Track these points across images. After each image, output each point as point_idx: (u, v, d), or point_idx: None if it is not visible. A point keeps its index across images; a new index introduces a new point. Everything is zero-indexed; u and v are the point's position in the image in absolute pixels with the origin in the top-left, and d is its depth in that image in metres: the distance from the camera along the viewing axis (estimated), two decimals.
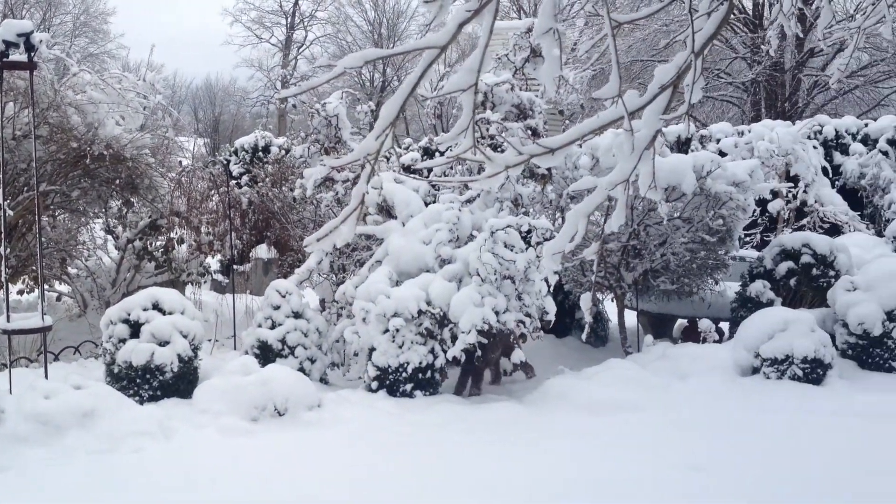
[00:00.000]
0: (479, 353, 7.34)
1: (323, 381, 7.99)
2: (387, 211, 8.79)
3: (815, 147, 16.94)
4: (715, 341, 8.90)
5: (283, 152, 14.76)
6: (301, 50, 48.20)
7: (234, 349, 9.01)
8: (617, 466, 5.51)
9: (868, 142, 18.91)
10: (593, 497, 5.01)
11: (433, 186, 9.43)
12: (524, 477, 5.34)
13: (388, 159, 12.31)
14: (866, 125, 19.32)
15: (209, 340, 8.64)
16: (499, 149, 8.69)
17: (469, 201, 8.89)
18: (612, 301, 9.71)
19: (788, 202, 16.30)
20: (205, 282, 11.35)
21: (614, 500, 4.98)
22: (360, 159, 2.28)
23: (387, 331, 7.33)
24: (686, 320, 10.26)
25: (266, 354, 7.76)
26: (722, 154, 15.74)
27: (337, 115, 9.68)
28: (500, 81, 9.47)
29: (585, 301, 3.30)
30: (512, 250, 7.43)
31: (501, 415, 6.82)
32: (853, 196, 18.22)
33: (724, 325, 9.64)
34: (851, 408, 6.67)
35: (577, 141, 2.64)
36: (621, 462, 5.60)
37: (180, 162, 12.80)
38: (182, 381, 7.04)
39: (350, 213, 2.37)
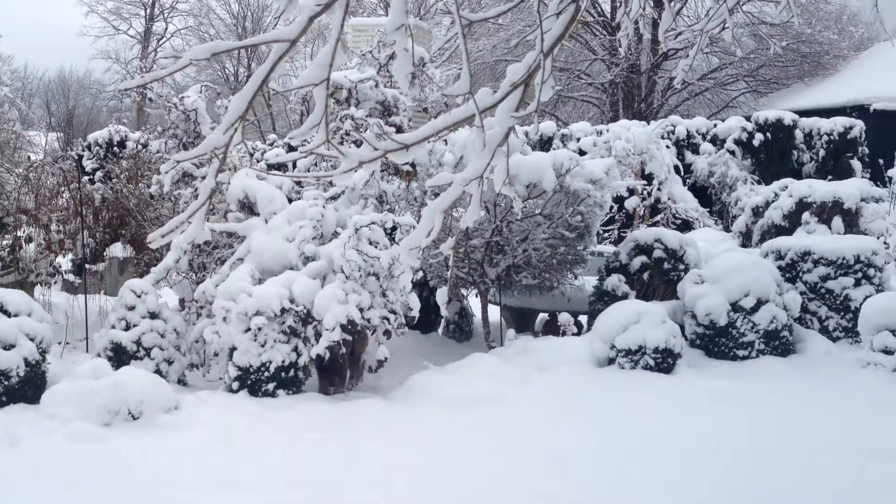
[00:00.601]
0: (343, 350, 7.31)
1: (181, 382, 7.77)
2: (249, 208, 8.63)
3: (668, 146, 17.70)
4: (574, 334, 9.17)
5: (140, 147, 14.25)
6: (161, 42, 46.66)
7: (87, 352, 8.64)
8: (479, 459, 5.60)
9: (717, 142, 19.89)
10: (451, 481, 5.09)
11: (297, 183, 9.32)
12: (384, 470, 5.36)
13: (251, 155, 12.09)
14: (715, 126, 20.33)
15: (59, 343, 8.25)
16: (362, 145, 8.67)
17: (333, 198, 8.83)
18: (476, 296, 9.85)
19: (644, 199, 16.97)
20: (55, 282, 10.83)
21: (477, 489, 5.07)
22: (208, 153, 2.24)
23: (248, 329, 7.20)
24: (547, 314, 10.52)
25: (120, 357, 7.49)
26: (582, 153, 16.25)
27: (196, 110, 9.43)
28: (365, 78, 9.46)
29: (441, 296, 3.34)
30: (376, 247, 7.44)
31: (366, 411, 6.82)
32: (703, 193, 19.13)
33: (584, 319, 9.95)
34: (697, 394, 7.02)
35: (432, 137, 2.67)
36: (482, 454, 5.70)
37: (29, 157, 12.17)
38: (29, 386, 6.70)
39: (198, 208, 2.31)
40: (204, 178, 9.39)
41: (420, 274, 8.98)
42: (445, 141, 9.44)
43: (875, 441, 5.90)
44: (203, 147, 2.24)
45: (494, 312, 10.12)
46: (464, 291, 10.19)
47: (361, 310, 7.22)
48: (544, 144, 19.79)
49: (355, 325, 7.13)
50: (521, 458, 5.59)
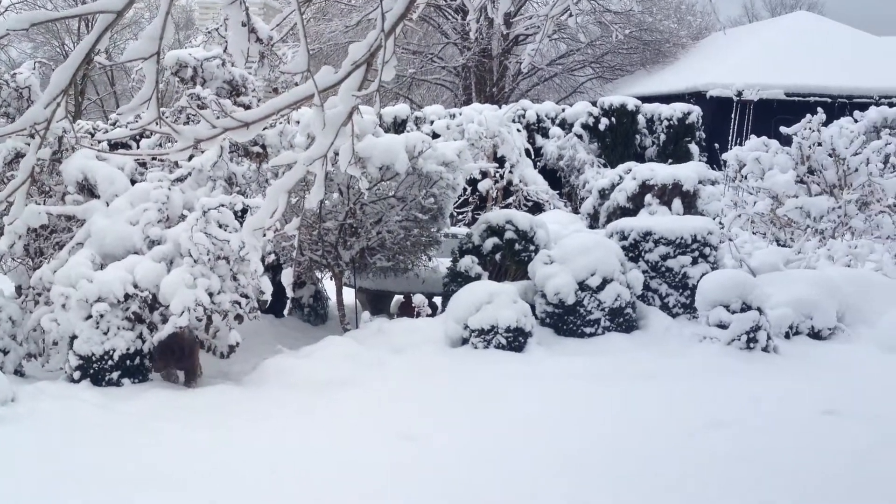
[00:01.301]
0: (191, 335, 7.11)
1: (18, 373, 7.36)
2: (89, 190, 8.23)
3: (519, 130, 18.07)
4: (428, 315, 9.25)
5: None
6: None
7: None
8: (334, 441, 5.58)
9: (565, 126, 20.46)
10: (305, 468, 5.04)
11: (142, 164, 8.96)
12: (235, 456, 5.26)
13: (92, 135, 11.52)
14: (564, 110, 20.90)
15: None
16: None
17: (180, 180, 8.53)
18: (331, 279, 9.79)
19: (496, 182, 17.28)
20: None
21: (330, 471, 5.04)
22: (28, 128, 2.10)
23: (90, 317, 6.90)
24: (402, 296, 10.57)
25: None
26: (436, 135, 16.36)
27: (29, 87, 8.88)
28: (211, 56, 9.17)
29: (287, 277, 3.29)
30: (226, 230, 7.25)
31: (217, 398, 6.67)
32: (553, 176, 19.67)
33: (438, 300, 10.06)
34: (546, 371, 7.23)
35: (273, 116, 2.61)
36: (337, 436, 5.68)
37: None
38: None
39: (17, 187, 2.17)
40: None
41: (273, 257, 8.83)
42: (298, 122, 9.29)
43: (708, 411, 6.25)
44: (22, 122, 2.11)
45: (350, 295, 10.09)
46: (318, 274, 10.10)
47: (211, 294, 7.03)
48: (398, 127, 19.82)
49: (205, 309, 6.94)
50: (375, 439, 5.61)
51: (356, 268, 9.39)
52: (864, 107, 19.47)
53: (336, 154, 3.06)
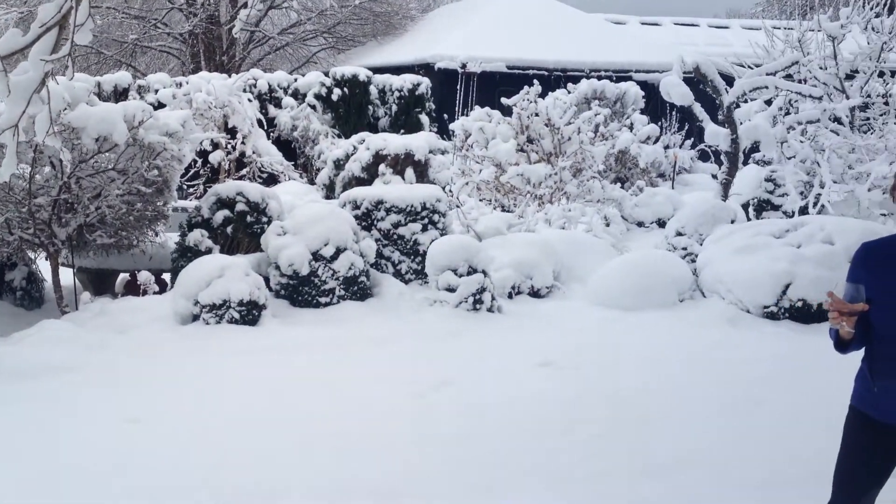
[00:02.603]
0: None
1: None
2: None
3: (250, 100, 17.68)
4: (156, 293, 8.89)
5: None
6: None
7: None
8: (46, 430, 5.23)
9: (298, 96, 20.28)
10: (19, 462, 4.70)
11: None
12: None
13: None
14: (296, 80, 20.69)
15: None
16: None
17: None
18: (47, 259, 9.09)
19: (228, 153, 16.83)
20: None
21: (45, 460, 4.72)
22: None
23: None
24: (128, 274, 10.05)
25: None
26: (161, 105, 15.63)
27: None
28: None
29: None
30: None
31: None
32: (288, 147, 19.47)
33: (167, 277, 9.67)
34: (280, 342, 7.20)
35: None
36: (47, 426, 5.32)
37: None
38: None
39: None
40: None
41: None
42: None
43: (437, 371, 6.51)
44: None
45: (68, 276, 9.43)
46: (32, 254, 9.35)
47: None
48: (119, 96, 18.72)
49: None
50: (92, 426, 5.30)
51: (74, 246, 8.79)
52: (577, 79, 20.97)
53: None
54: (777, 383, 6.37)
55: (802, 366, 6.82)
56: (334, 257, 8.60)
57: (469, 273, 8.44)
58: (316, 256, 8.57)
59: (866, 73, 14.46)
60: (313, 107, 19.76)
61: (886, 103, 15.04)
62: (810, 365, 6.84)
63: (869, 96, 14.77)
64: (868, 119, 15.03)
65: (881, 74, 14.96)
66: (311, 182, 18.32)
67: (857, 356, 3.32)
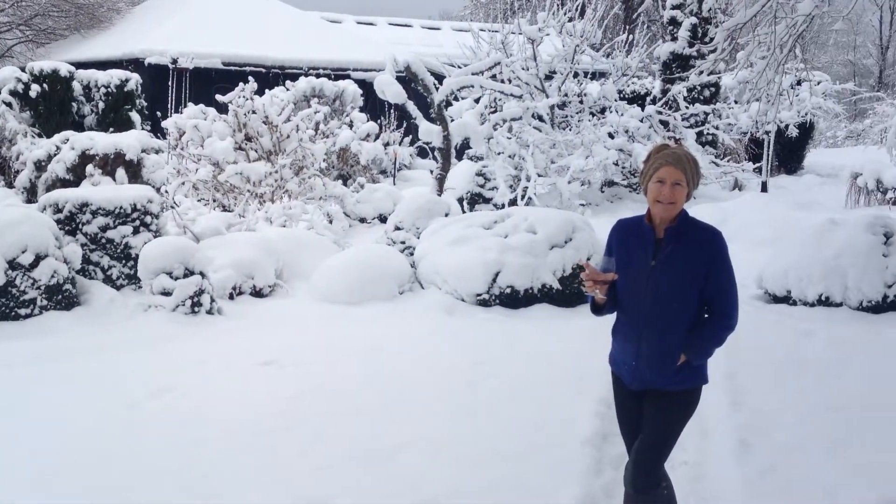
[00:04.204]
0: None
1: None
2: None
3: None
4: None
5: None
6: None
7: None
8: None
9: None
10: None
11: None
12: None
13: None
14: None
15: None
16: None
17: None
18: None
19: None
20: None
21: None
22: None
23: None
24: None
25: None
26: None
27: None
28: None
29: None
30: None
31: None
32: None
33: None
34: None
35: None
36: None
37: None
38: None
39: None
40: None
41: None
42: None
43: (155, 379, 6.23)
44: None
45: None
46: None
47: None
48: None
49: None
50: None
51: None
52: (295, 77, 20.90)
53: None
54: (492, 366, 6.73)
55: (513, 348, 7.27)
56: (34, 265, 7.93)
57: (186, 275, 8.14)
58: (13, 265, 7.86)
59: (563, 74, 15.68)
60: (9, 104, 18.13)
61: (581, 102, 16.40)
62: (520, 346, 7.31)
63: (566, 95, 16.05)
64: (567, 116, 16.33)
65: (576, 75, 16.31)
66: (10, 185, 16.83)
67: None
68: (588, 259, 9.15)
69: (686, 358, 3.50)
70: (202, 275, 8.24)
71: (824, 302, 8.87)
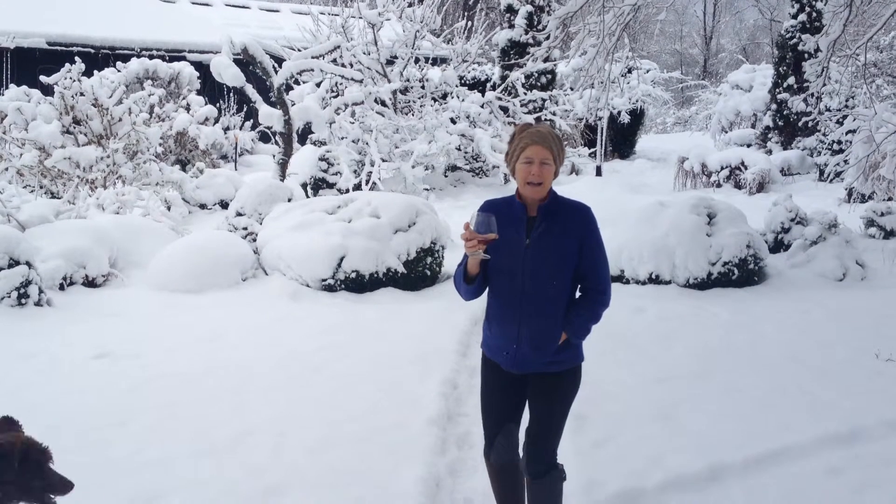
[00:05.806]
0: None
1: None
2: None
3: None
4: None
5: None
6: None
7: None
8: None
9: None
10: None
11: None
12: None
13: None
14: None
15: None
16: None
17: None
18: None
19: None
20: None
21: None
22: None
23: None
24: None
25: None
26: None
27: None
28: None
29: None
30: None
31: None
32: None
33: None
34: None
35: None
36: None
37: None
38: None
39: None
40: None
41: None
42: None
43: None
44: None
45: None
46: None
47: None
48: None
49: None
50: None
51: None
52: (127, 58, 20.02)
53: None
54: (336, 350, 6.72)
55: (358, 332, 7.28)
56: None
57: (10, 265, 7.69)
58: None
59: (404, 59, 15.74)
60: None
61: (423, 87, 16.53)
62: (365, 331, 7.33)
63: (408, 80, 16.12)
64: (409, 102, 16.40)
65: (417, 60, 16.41)
66: None
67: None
68: (433, 242, 9.27)
69: (567, 337, 3.45)
70: (29, 265, 7.81)
71: (655, 280, 9.35)
